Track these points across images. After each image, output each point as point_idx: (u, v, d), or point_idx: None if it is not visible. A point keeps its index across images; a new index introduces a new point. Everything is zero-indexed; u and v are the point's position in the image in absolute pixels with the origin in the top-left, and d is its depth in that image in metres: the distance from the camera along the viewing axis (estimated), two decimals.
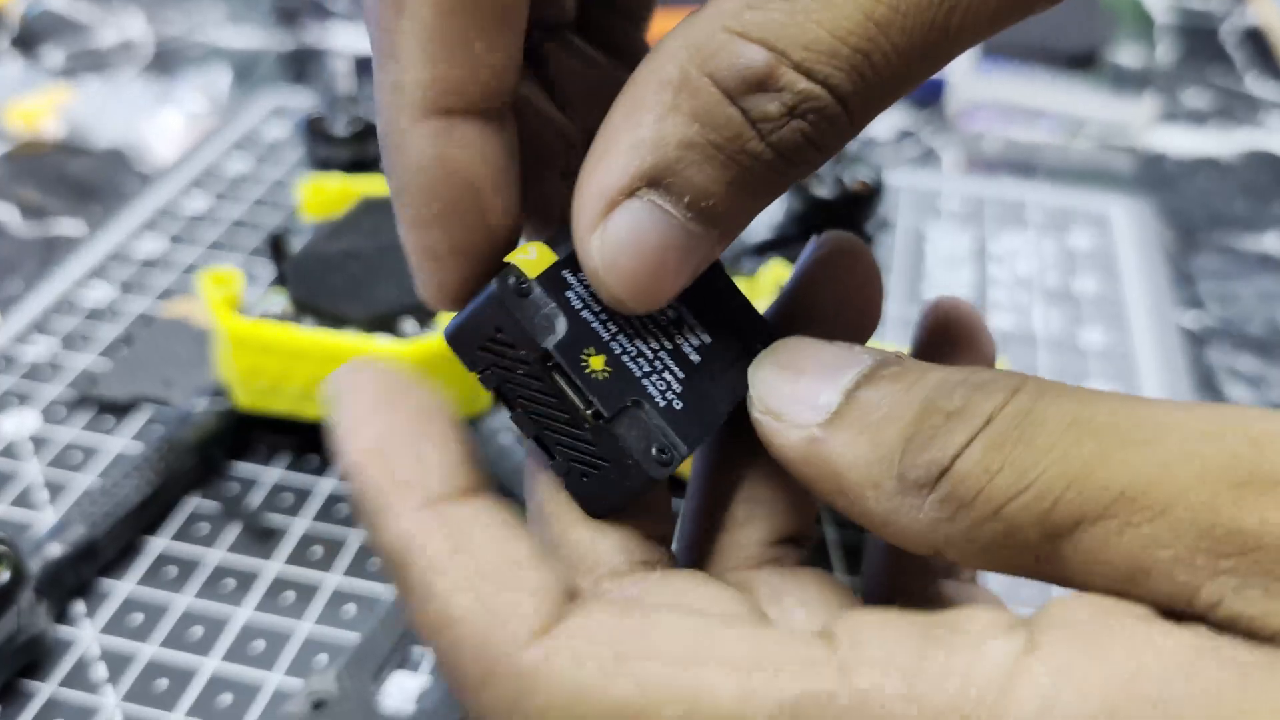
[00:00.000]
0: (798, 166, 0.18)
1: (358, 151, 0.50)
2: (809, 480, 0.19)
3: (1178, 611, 0.16)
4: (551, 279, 0.20)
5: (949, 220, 0.54)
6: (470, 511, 0.18)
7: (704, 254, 0.19)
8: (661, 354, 0.20)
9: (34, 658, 0.32)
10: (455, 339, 0.20)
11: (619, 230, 0.18)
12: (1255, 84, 0.68)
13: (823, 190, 0.47)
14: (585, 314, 0.20)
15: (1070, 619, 0.16)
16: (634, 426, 0.19)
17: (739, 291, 0.22)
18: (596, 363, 0.19)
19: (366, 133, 0.50)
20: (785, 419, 0.19)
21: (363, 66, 0.67)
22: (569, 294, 0.20)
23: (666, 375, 0.20)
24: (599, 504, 0.20)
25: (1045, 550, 0.17)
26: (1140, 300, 0.49)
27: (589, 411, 0.19)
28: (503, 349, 0.19)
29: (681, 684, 0.16)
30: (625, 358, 0.20)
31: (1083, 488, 0.16)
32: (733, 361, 0.21)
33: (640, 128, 0.18)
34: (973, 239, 0.53)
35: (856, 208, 0.48)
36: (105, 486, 0.36)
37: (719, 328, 0.21)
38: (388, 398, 0.18)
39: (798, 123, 0.18)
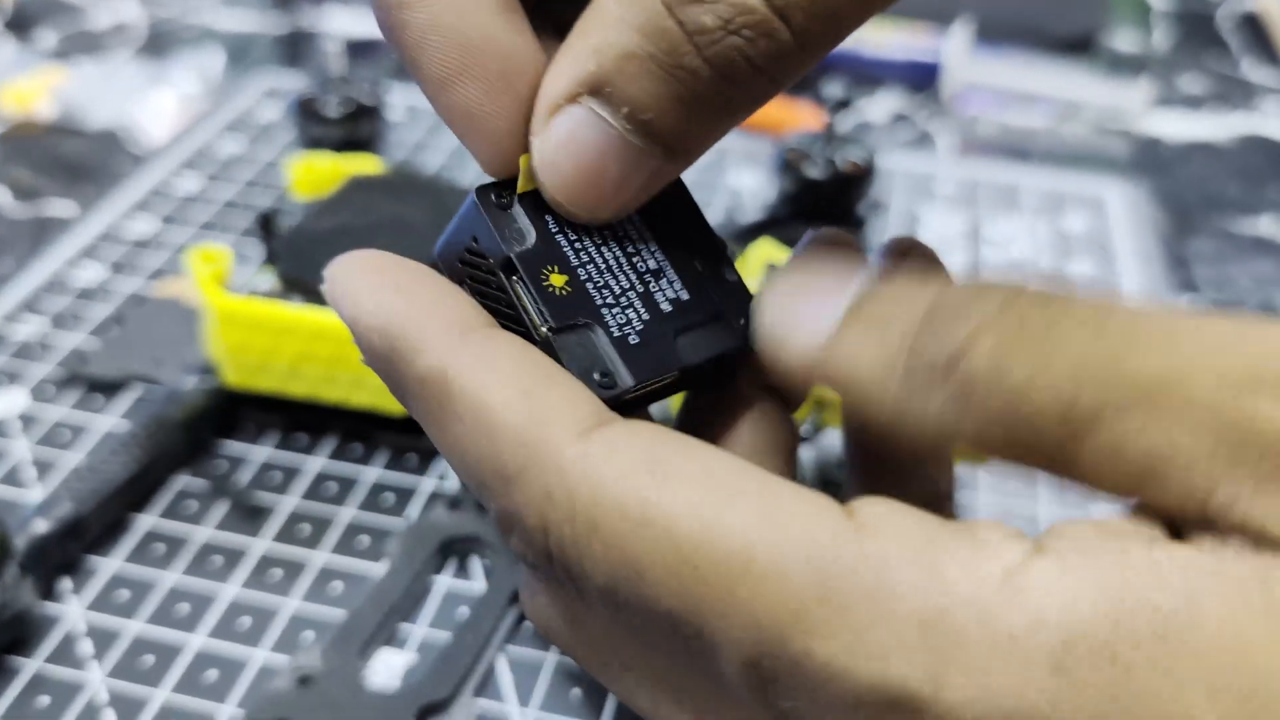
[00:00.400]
0: (739, 88, 0.18)
1: (349, 132, 0.50)
2: (828, 385, 0.19)
3: (1189, 517, 0.16)
4: (536, 199, 0.20)
5: (943, 203, 0.54)
6: (498, 338, 0.18)
7: (650, 171, 0.19)
8: (630, 293, 0.20)
9: (19, 634, 0.32)
10: (441, 252, 0.21)
11: (558, 133, 0.19)
12: (1251, 69, 0.68)
13: (814, 171, 0.47)
14: (559, 236, 0.20)
15: (1078, 535, 0.16)
16: (581, 346, 0.20)
17: (725, 255, 0.22)
18: (558, 280, 0.20)
19: (358, 114, 0.50)
20: (796, 332, 0.19)
21: (354, 49, 0.67)
22: (549, 216, 0.20)
23: (630, 312, 0.20)
24: None
25: (1061, 444, 0.17)
26: (1134, 284, 0.49)
27: (542, 326, 0.19)
28: (477, 260, 0.20)
29: (703, 505, 0.16)
30: (589, 284, 0.20)
31: (1105, 382, 0.16)
32: (704, 321, 0.21)
33: (588, 36, 0.18)
34: (967, 222, 0.53)
35: (848, 189, 0.47)
36: (92, 464, 0.36)
37: (700, 290, 0.21)
38: (388, 264, 0.19)
39: (734, 39, 0.17)
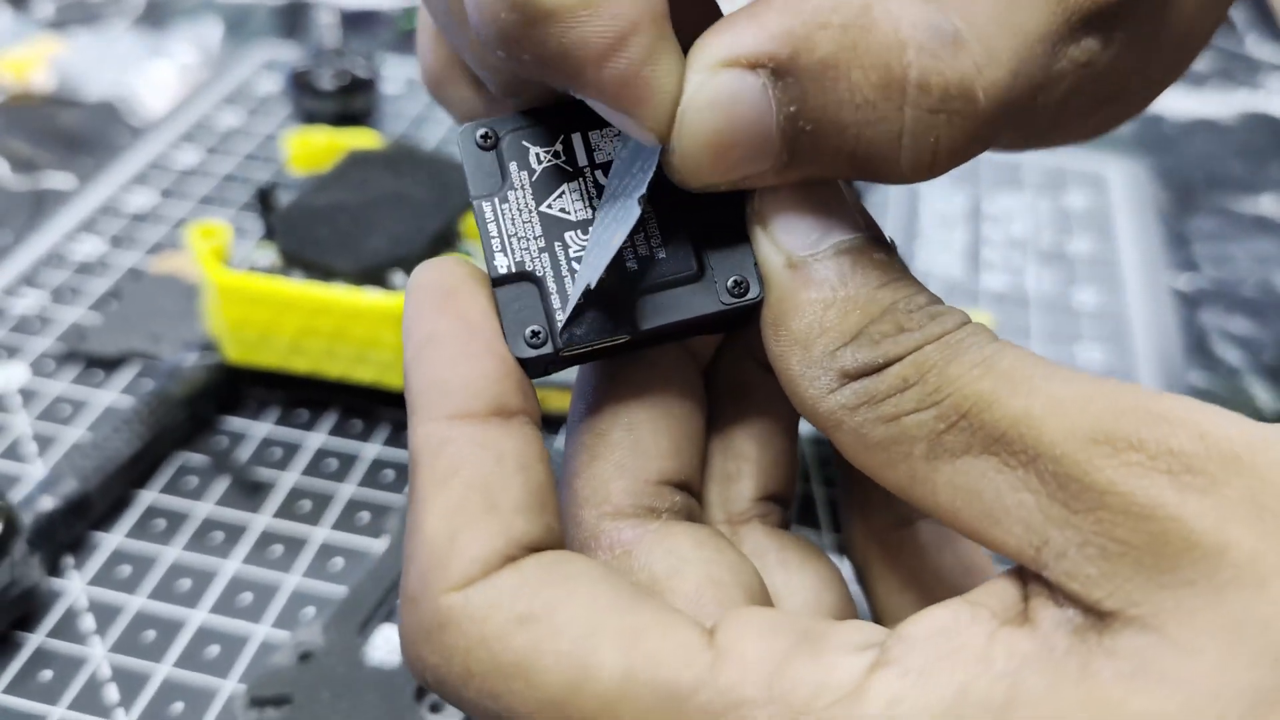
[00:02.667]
0: (912, 151, 0.19)
1: (343, 105, 0.50)
2: (768, 300, 0.19)
3: (1028, 570, 0.17)
4: (536, 134, 0.20)
5: (944, 180, 0.54)
6: (482, 435, 0.18)
7: (770, 171, 0.19)
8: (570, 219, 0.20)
9: (27, 610, 0.32)
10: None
11: (722, 89, 0.18)
12: (1256, 46, 0.67)
13: None
14: (544, 180, 0.20)
15: (922, 633, 0.17)
16: (522, 299, 0.19)
17: (736, 213, 0.20)
18: (527, 225, 0.19)
19: (353, 87, 0.50)
20: (776, 236, 0.19)
21: (351, 20, 0.66)
22: (541, 154, 0.20)
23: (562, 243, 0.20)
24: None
25: (922, 470, 0.18)
26: (1134, 261, 0.49)
27: (490, 272, 0.19)
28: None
29: (570, 657, 0.17)
30: (560, 232, 0.20)
31: (974, 419, 0.17)
32: (681, 280, 0.20)
33: (788, 14, 0.18)
34: (968, 199, 0.52)
35: None
36: (96, 440, 0.36)
37: (687, 247, 0.20)
38: (447, 300, 0.19)
39: (938, 118, 0.18)
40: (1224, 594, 0.15)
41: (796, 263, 0.19)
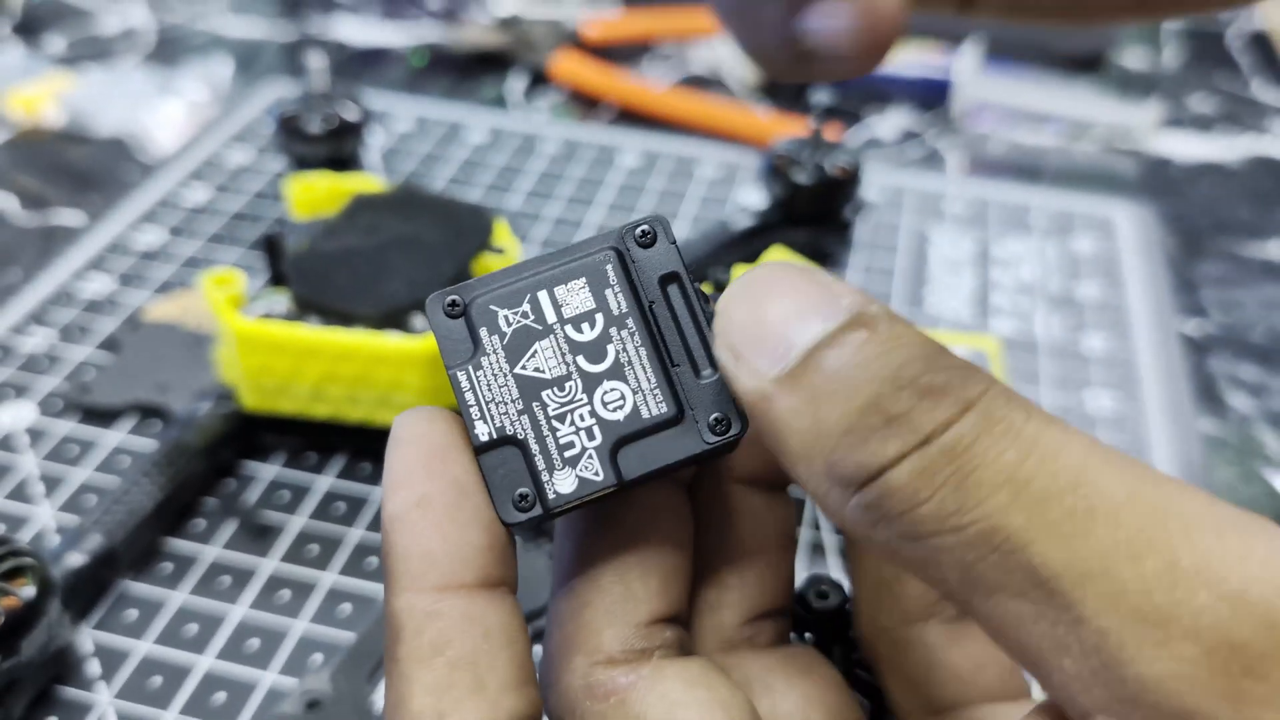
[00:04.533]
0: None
1: (333, 149, 0.49)
2: (758, 426, 0.18)
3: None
4: (494, 301, 0.20)
5: (952, 223, 0.54)
6: (470, 610, 0.18)
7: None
8: (580, 400, 0.20)
9: (62, 669, 0.32)
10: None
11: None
12: (1261, 90, 0.68)
13: (802, 176, 0.47)
14: (507, 342, 0.20)
15: None
16: (507, 464, 0.19)
17: (709, 350, 0.20)
18: (505, 389, 0.19)
19: (342, 130, 0.49)
20: (744, 361, 0.18)
21: (359, 58, 0.67)
22: (502, 319, 0.20)
23: (577, 421, 0.20)
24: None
25: (956, 592, 0.16)
26: (1142, 306, 0.49)
27: (473, 439, 0.19)
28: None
29: None
30: (538, 392, 0.20)
31: (1007, 559, 0.16)
32: (661, 425, 0.20)
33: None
34: (976, 242, 0.53)
35: (835, 193, 0.48)
36: (118, 493, 0.35)
37: (666, 390, 0.20)
38: (435, 460, 0.19)
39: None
40: None
41: (769, 388, 0.18)
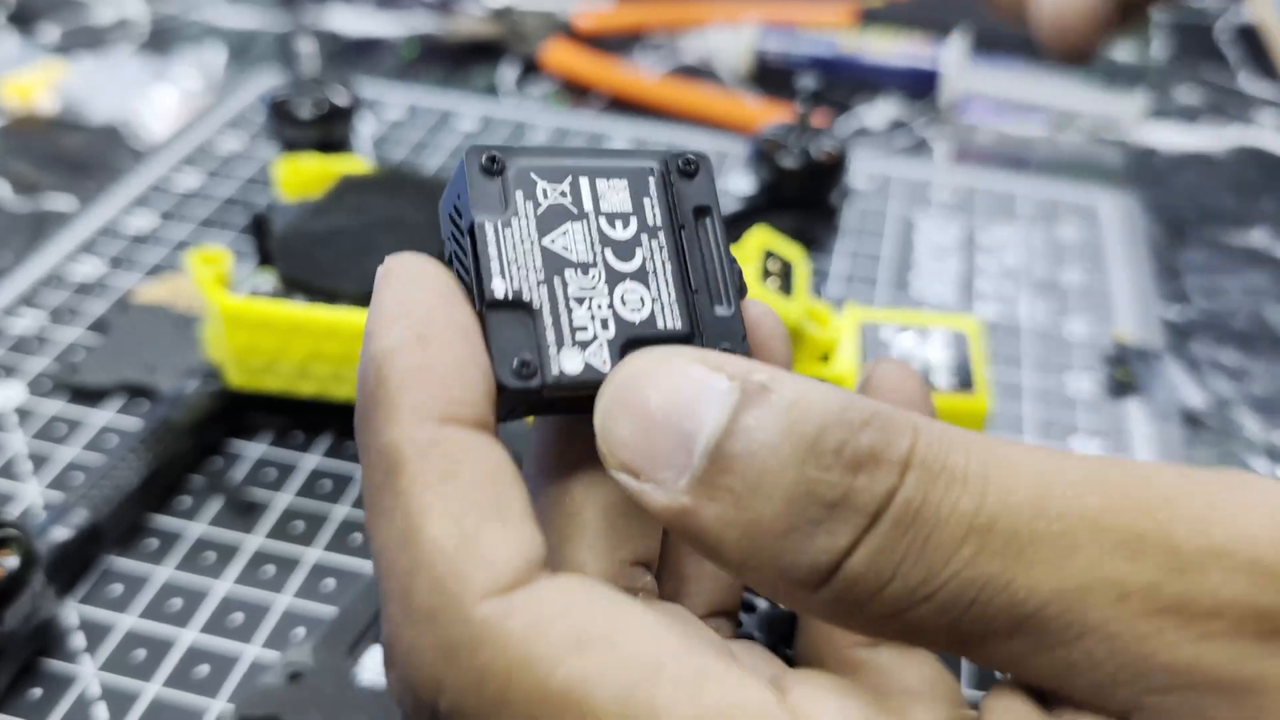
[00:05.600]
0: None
1: (324, 133, 0.49)
2: (689, 542, 0.17)
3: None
4: (536, 171, 0.19)
5: (939, 210, 0.54)
6: (474, 442, 0.16)
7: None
8: (601, 292, 0.19)
9: (46, 642, 0.32)
10: (441, 204, 0.20)
11: None
12: (1248, 82, 0.68)
13: (789, 161, 0.48)
14: (541, 213, 0.19)
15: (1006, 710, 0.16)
16: (514, 328, 0.18)
17: (732, 287, 0.20)
18: (527, 258, 0.19)
19: (332, 115, 0.50)
20: (646, 477, 0.17)
21: (352, 48, 0.67)
22: (547, 189, 0.19)
23: (591, 310, 0.19)
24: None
25: (957, 647, 0.16)
26: (1126, 293, 0.49)
27: (485, 295, 0.18)
28: (456, 218, 0.19)
29: (632, 693, 0.15)
30: (560, 270, 0.19)
31: (989, 605, 0.15)
32: (669, 339, 0.19)
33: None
34: (962, 229, 0.53)
35: (822, 178, 0.48)
36: (104, 469, 0.36)
37: (681, 310, 0.20)
38: (433, 303, 0.17)
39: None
40: None
41: (686, 502, 0.16)
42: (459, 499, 0.16)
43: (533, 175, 0.19)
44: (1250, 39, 0.73)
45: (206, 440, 0.38)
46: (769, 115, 0.58)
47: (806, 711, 0.15)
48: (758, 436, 0.16)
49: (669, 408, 0.16)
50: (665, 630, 0.15)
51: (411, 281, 0.18)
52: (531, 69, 0.65)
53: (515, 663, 0.15)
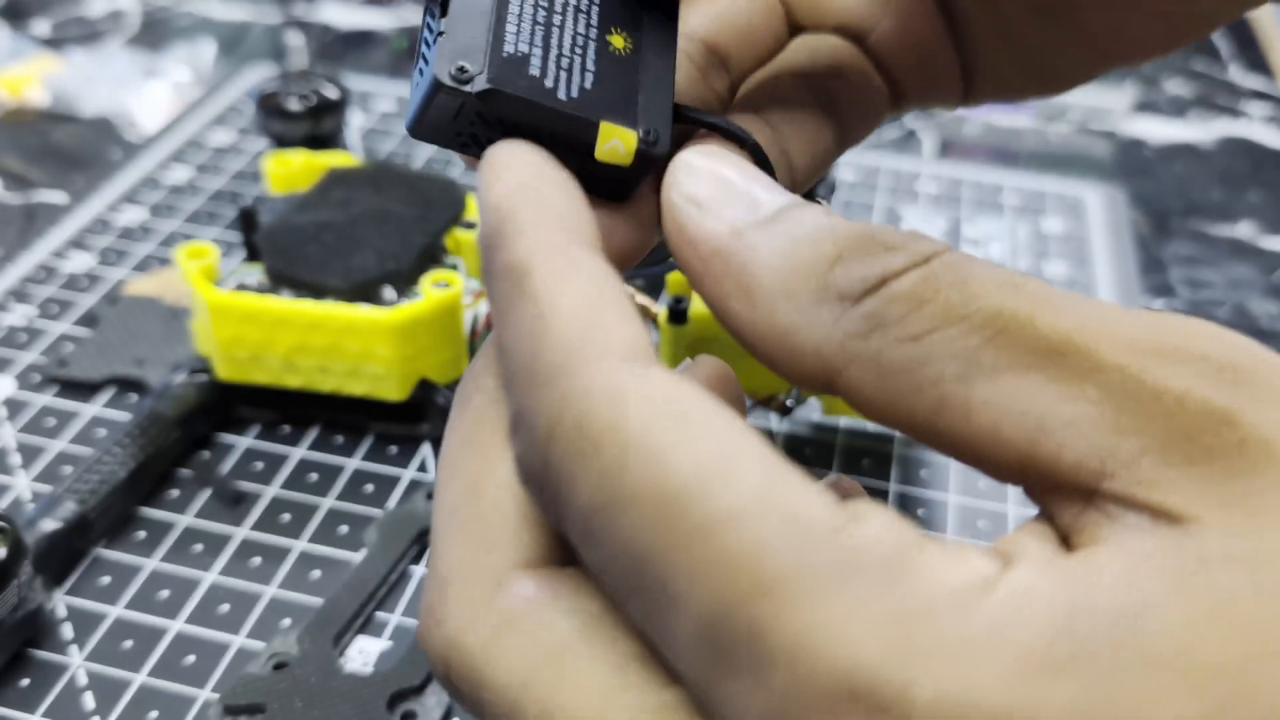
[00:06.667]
0: None
1: (312, 127, 0.50)
2: (713, 279, 0.18)
3: (1079, 485, 0.16)
4: None
5: (925, 203, 0.54)
6: (592, 255, 0.18)
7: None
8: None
9: (35, 633, 0.33)
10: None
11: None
12: (1238, 74, 0.68)
13: None
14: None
15: (1037, 548, 0.16)
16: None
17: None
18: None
19: (321, 108, 0.50)
20: (710, 210, 0.19)
21: (344, 40, 0.67)
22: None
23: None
24: (411, 114, 0.20)
25: (954, 392, 0.17)
26: (1110, 285, 0.49)
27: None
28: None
29: (716, 459, 0.15)
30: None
31: (1015, 335, 0.16)
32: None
33: None
34: (948, 222, 0.53)
35: None
36: (92, 461, 0.36)
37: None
38: (538, 159, 0.19)
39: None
40: None
41: (742, 228, 0.18)
42: (586, 288, 0.17)
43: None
44: (1242, 31, 0.73)
45: (194, 432, 0.39)
46: None
47: (864, 516, 0.15)
48: (825, 214, 0.18)
49: (757, 175, 0.19)
50: (758, 437, 0.16)
51: (514, 147, 0.19)
52: None
53: (618, 413, 0.16)
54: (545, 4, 0.20)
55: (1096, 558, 0.15)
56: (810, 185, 0.25)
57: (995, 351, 0.16)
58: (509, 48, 0.19)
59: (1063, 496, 0.16)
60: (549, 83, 0.19)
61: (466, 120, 0.19)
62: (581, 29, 0.20)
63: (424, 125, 0.20)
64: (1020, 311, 0.16)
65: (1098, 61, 0.26)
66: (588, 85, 0.20)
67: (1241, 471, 0.15)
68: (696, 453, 0.15)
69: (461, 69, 0.19)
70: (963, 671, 0.14)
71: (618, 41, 0.21)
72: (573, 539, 0.17)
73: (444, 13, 0.19)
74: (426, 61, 0.19)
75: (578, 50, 0.20)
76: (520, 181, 0.18)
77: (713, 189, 0.19)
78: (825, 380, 0.18)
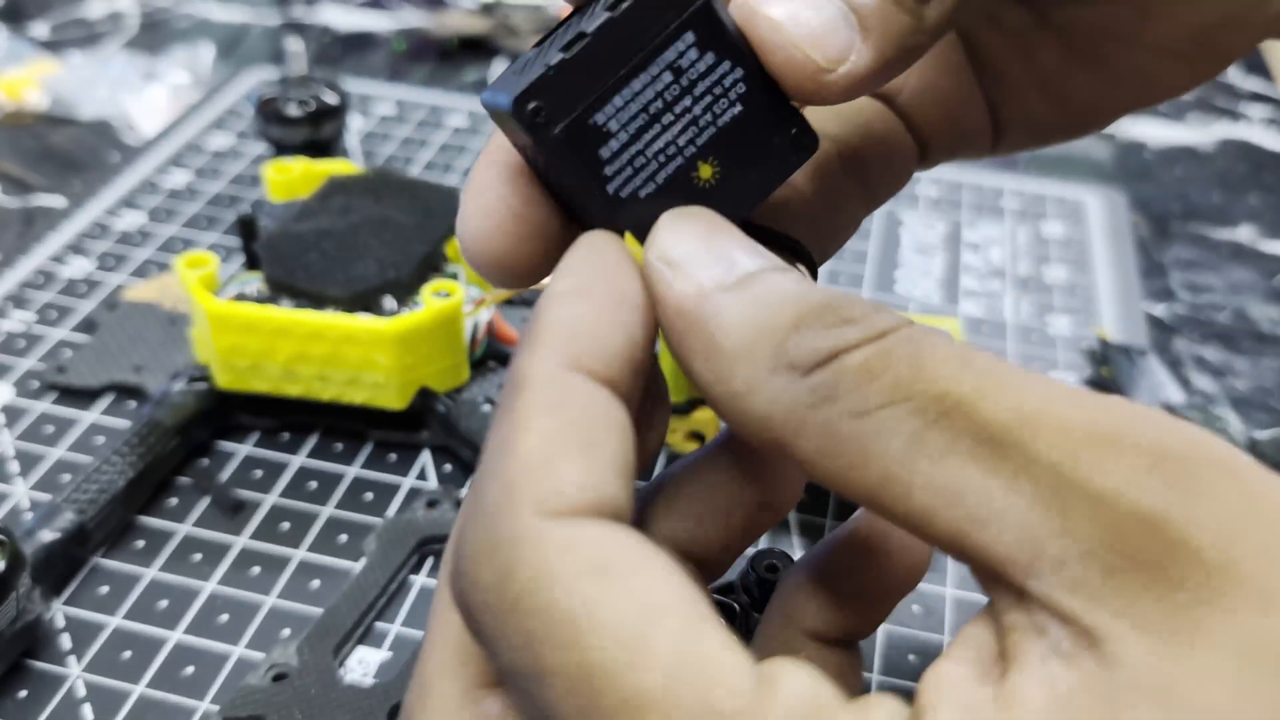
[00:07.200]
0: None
1: (312, 132, 0.49)
2: (677, 336, 0.19)
3: (1008, 583, 0.16)
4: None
5: (926, 207, 0.54)
6: (593, 392, 0.18)
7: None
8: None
9: (33, 643, 0.32)
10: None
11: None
12: (1239, 76, 0.68)
13: None
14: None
15: (946, 699, 0.16)
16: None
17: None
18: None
19: (320, 114, 0.50)
20: (682, 271, 0.19)
21: (343, 43, 0.67)
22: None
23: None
24: (490, 93, 0.20)
25: (895, 470, 0.17)
26: (1111, 289, 0.49)
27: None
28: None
29: (626, 629, 0.16)
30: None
31: (958, 418, 0.16)
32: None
33: None
34: (948, 225, 0.53)
35: None
36: (91, 471, 0.36)
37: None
38: (607, 269, 0.19)
39: None
40: (1236, 616, 0.15)
41: (709, 290, 0.19)
42: (557, 429, 0.17)
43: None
44: None
45: (193, 441, 0.39)
46: None
47: (778, 682, 0.16)
48: (798, 281, 0.19)
49: (734, 237, 0.19)
50: (683, 588, 0.17)
51: (597, 246, 0.20)
52: None
53: (538, 573, 0.16)
54: (668, 98, 0.20)
55: (1016, 698, 0.16)
56: (834, 253, 0.26)
57: (938, 434, 0.17)
58: (601, 118, 0.19)
59: (1000, 585, 0.17)
60: (609, 169, 0.20)
61: (521, 136, 0.20)
62: (681, 141, 0.20)
63: (491, 110, 0.20)
64: (966, 395, 0.17)
65: (1128, 102, 0.26)
66: (643, 194, 0.20)
67: (1165, 583, 0.15)
68: (613, 618, 0.16)
69: (539, 110, 0.19)
70: None
71: (705, 171, 0.20)
72: (502, 674, 0.18)
73: (583, 42, 0.19)
74: (539, 66, 0.19)
75: (659, 159, 0.20)
76: (570, 289, 0.19)
77: (690, 250, 0.19)
78: (775, 445, 0.18)
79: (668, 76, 0.20)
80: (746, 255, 0.19)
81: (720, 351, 0.18)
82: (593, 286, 0.19)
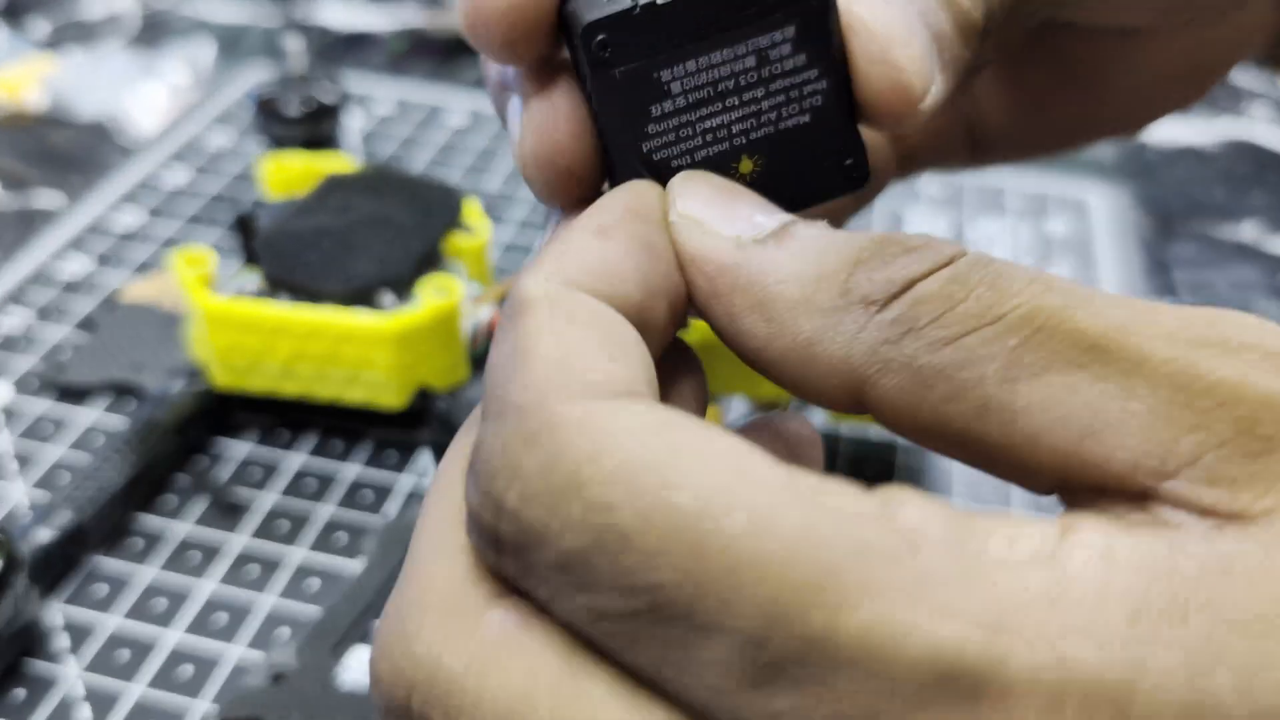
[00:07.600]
0: None
1: (311, 131, 0.49)
2: (722, 295, 0.18)
3: (1126, 488, 0.15)
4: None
5: (928, 205, 0.54)
6: (601, 308, 0.17)
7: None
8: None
9: (30, 643, 0.32)
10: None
11: None
12: (1241, 75, 0.68)
13: None
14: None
15: (1095, 522, 0.15)
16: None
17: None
18: None
19: (319, 112, 0.50)
20: (708, 228, 0.18)
21: (341, 42, 0.67)
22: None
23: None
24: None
25: (995, 395, 0.16)
26: (1114, 287, 0.49)
27: None
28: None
29: (722, 468, 0.14)
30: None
31: (1054, 332, 0.16)
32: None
33: None
34: (950, 224, 0.53)
35: None
36: (88, 470, 0.36)
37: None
38: (626, 209, 0.18)
39: None
40: None
41: (746, 242, 0.18)
42: (571, 334, 0.16)
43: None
44: None
45: (191, 440, 0.39)
46: None
47: (899, 499, 0.15)
48: (833, 229, 0.18)
49: (750, 197, 0.19)
50: (742, 439, 0.15)
51: (625, 190, 0.19)
52: None
53: (597, 440, 0.15)
54: (742, 82, 0.19)
55: (1200, 538, 0.14)
56: None
57: (1035, 352, 0.16)
58: (667, 75, 0.19)
59: (1107, 502, 0.16)
60: (653, 128, 0.19)
61: (572, 49, 0.19)
62: (736, 129, 0.19)
63: (566, 22, 0.19)
64: (1057, 309, 0.16)
65: (1115, 124, 0.26)
66: (675, 164, 0.19)
67: None
68: (698, 473, 0.14)
69: (606, 44, 0.18)
70: (1056, 638, 0.13)
71: (745, 165, 0.20)
72: (539, 593, 0.16)
73: None
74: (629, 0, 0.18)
75: (707, 137, 0.19)
76: (589, 225, 0.18)
77: (713, 210, 0.18)
78: (853, 392, 0.17)
79: (751, 60, 0.19)
80: (765, 214, 0.18)
81: (779, 301, 0.17)
82: (607, 224, 0.18)
